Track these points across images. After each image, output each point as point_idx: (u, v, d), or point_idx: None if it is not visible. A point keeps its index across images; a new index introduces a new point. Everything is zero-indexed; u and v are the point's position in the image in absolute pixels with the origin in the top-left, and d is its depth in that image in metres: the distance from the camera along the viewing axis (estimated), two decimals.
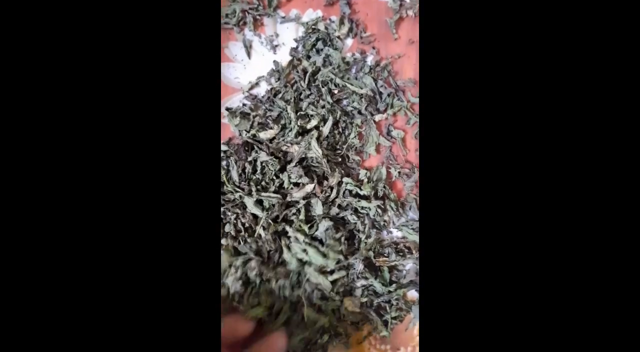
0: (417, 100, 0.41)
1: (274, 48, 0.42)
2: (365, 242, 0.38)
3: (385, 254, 0.38)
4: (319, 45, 0.41)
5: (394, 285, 0.37)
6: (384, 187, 0.39)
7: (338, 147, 0.40)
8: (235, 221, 0.36)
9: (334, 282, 0.36)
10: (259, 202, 0.36)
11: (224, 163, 0.38)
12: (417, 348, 0.38)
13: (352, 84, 0.40)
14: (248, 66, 0.41)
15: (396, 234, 0.39)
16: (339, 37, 0.41)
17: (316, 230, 0.37)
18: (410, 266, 0.38)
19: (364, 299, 0.37)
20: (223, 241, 0.36)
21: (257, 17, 0.42)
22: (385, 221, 0.39)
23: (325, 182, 0.38)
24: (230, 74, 0.41)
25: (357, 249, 0.38)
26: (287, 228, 0.36)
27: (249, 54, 0.42)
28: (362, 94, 0.40)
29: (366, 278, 0.37)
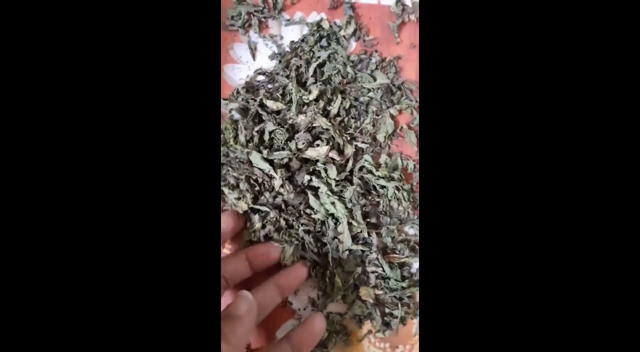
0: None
1: (278, 48, 0.42)
2: (388, 228, 0.39)
3: (398, 250, 0.39)
4: (323, 42, 0.42)
5: (406, 281, 0.38)
6: (400, 175, 0.40)
7: (350, 131, 0.41)
8: (247, 179, 0.37)
9: (351, 252, 0.38)
10: (270, 163, 0.37)
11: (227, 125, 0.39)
12: (416, 346, 0.39)
13: (362, 77, 0.41)
14: (253, 68, 0.42)
15: (409, 230, 0.40)
16: (344, 36, 0.42)
17: (342, 190, 0.38)
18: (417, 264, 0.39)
19: (379, 292, 0.38)
20: (235, 200, 0.37)
21: (262, 19, 0.43)
22: (400, 212, 0.40)
23: (342, 155, 0.39)
24: (235, 75, 0.42)
25: (379, 231, 0.39)
26: (314, 178, 0.37)
27: (253, 56, 0.42)
28: (372, 88, 0.41)
29: (377, 265, 0.38)
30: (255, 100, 0.39)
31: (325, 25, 0.42)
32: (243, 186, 0.36)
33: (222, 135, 0.38)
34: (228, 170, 0.37)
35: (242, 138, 0.38)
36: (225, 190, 0.37)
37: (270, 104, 0.39)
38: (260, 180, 0.37)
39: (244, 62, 0.42)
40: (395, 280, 0.38)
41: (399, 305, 0.38)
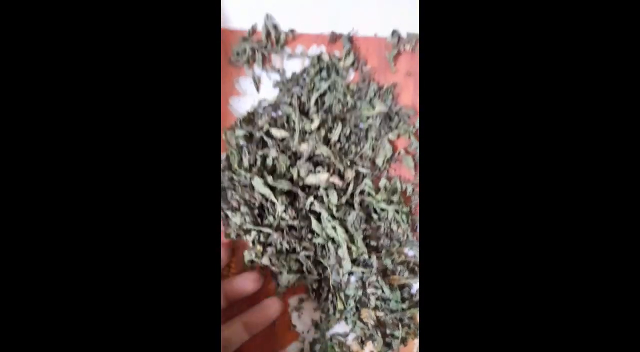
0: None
1: (281, 77, 0.45)
2: (388, 250, 0.40)
3: (398, 272, 0.40)
4: (324, 74, 0.44)
5: (407, 302, 0.39)
6: (399, 199, 0.41)
7: (350, 157, 0.42)
8: (248, 202, 0.39)
9: (352, 274, 0.39)
10: (272, 189, 0.39)
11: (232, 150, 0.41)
12: None
13: (361, 105, 0.43)
14: (257, 99, 0.44)
15: (408, 252, 0.41)
16: (343, 68, 0.44)
17: (344, 214, 0.39)
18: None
19: (380, 313, 0.39)
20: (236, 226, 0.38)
21: (265, 54, 0.45)
22: (400, 234, 0.41)
23: (342, 180, 0.40)
24: (240, 107, 0.44)
25: (379, 253, 0.40)
26: (315, 203, 0.39)
27: (257, 88, 0.45)
28: (371, 115, 0.43)
29: (377, 287, 0.39)
30: (258, 129, 0.41)
31: (325, 58, 0.44)
32: (243, 209, 0.38)
33: (227, 161, 0.41)
34: (232, 193, 0.39)
35: (245, 162, 0.40)
36: (229, 213, 0.39)
37: (275, 131, 0.41)
38: (258, 204, 0.38)
39: (249, 94, 0.45)
40: (396, 301, 0.39)
41: (400, 326, 0.39)
